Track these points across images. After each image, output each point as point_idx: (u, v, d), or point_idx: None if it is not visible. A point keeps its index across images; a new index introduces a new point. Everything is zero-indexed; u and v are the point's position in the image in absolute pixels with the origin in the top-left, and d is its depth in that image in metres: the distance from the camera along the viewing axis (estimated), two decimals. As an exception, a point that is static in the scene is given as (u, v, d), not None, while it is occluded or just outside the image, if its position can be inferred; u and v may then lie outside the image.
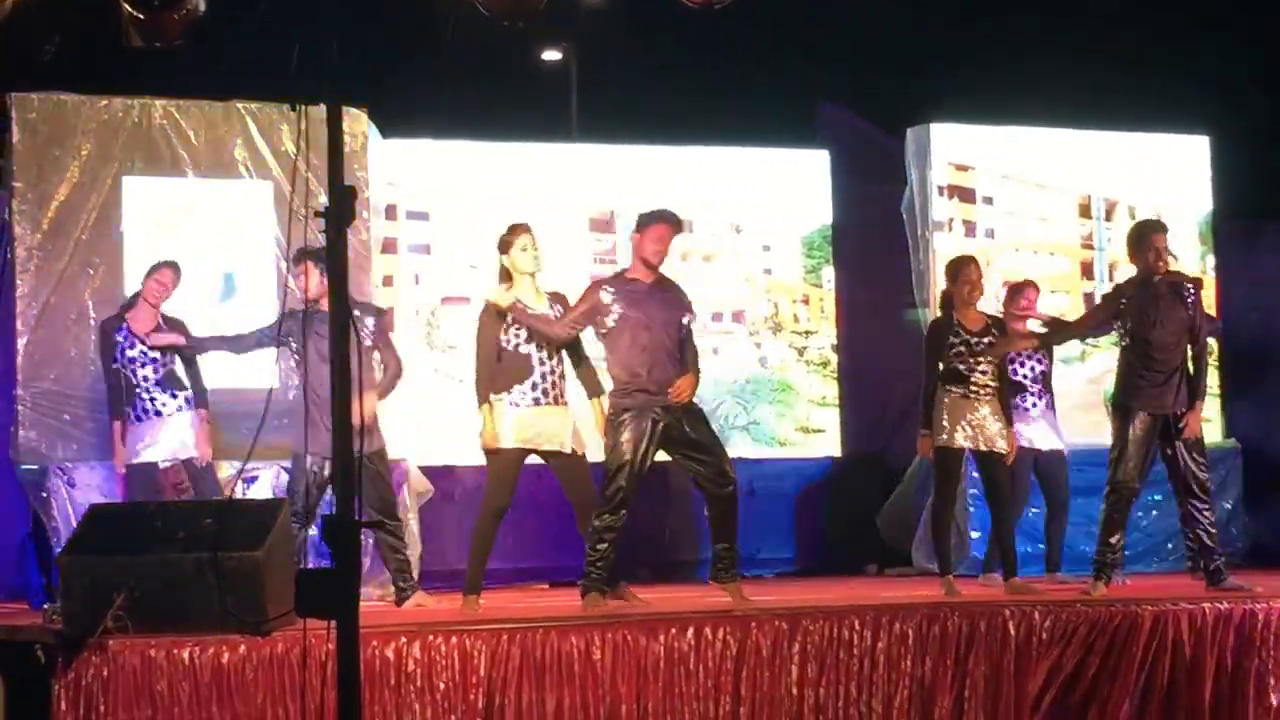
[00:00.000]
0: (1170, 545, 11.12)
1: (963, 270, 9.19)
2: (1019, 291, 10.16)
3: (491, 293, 8.41)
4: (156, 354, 9.14)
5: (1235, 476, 11.78)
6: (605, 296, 8.27)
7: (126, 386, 9.17)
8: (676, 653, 7.12)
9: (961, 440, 8.96)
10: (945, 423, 8.97)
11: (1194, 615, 7.78)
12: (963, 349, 9.00)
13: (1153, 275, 8.75)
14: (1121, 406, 8.73)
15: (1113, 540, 8.71)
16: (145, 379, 9.14)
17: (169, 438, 9.21)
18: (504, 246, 8.50)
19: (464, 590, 8.41)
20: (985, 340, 9.01)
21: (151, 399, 9.16)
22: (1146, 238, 8.80)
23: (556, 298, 8.57)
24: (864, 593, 9.25)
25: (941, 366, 9.06)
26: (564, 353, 8.51)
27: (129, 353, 9.18)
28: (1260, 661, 7.83)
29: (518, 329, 8.34)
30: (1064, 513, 10.13)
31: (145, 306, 9.28)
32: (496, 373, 8.34)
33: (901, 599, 8.12)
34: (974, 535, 10.94)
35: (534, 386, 8.35)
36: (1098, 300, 11.63)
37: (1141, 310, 8.69)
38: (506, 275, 8.49)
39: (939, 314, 9.34)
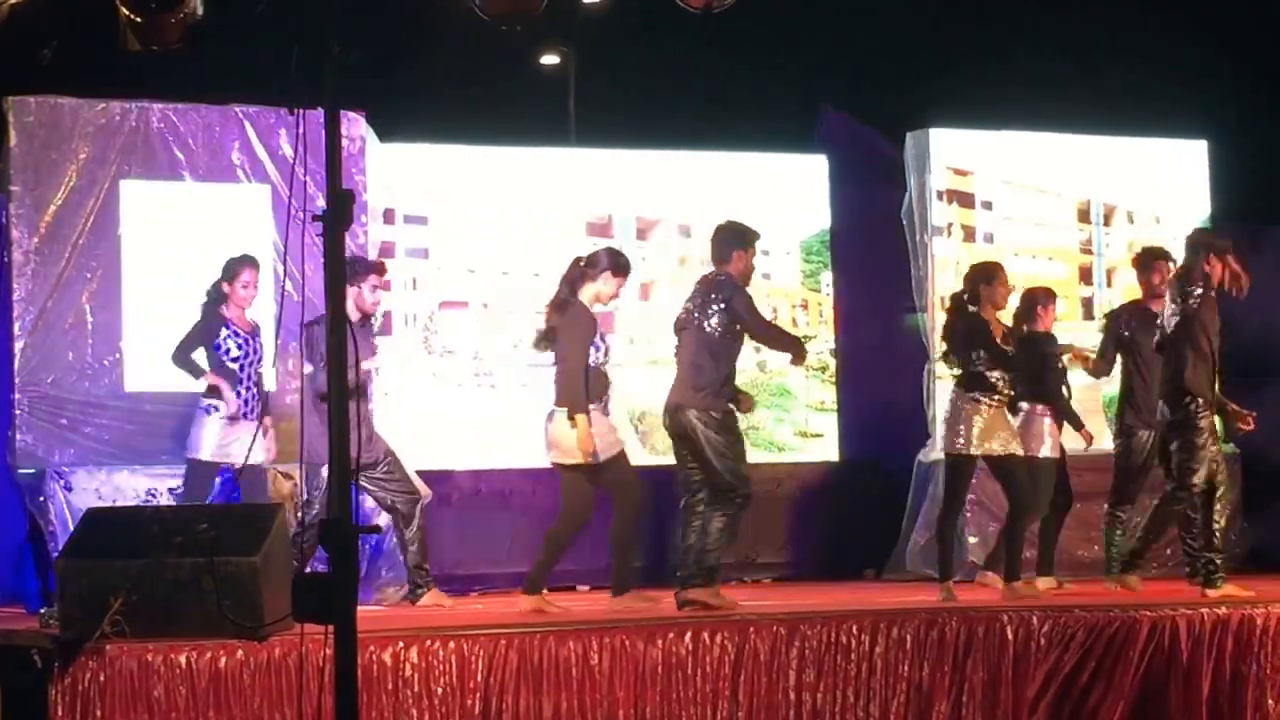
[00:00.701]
0: (1169, 550, 11.10)
1: (999, 273, 9.15)
2: (1043, 303, 10.01)
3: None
4: (250, 354, 9.12)
5: (1234, 481, 11.75)
6: None
7: (228, 377, 9.17)
8: (674, 657, 7.12)
9: (976, 448, 8.93)
10: (961, 429, 8.94)
11: (1192, 620, 7.78)
12: (985, 354, 8.97)
13: (1222, 288, 8.90)
14: (1200, 411, 8.83)
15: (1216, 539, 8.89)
16: (240, 380, 9.15)
17: (240, 445, 9.03)
18: (616, 268, 8.53)
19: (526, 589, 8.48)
20: (1004, 349, 8.99)
21: (242, 400, 9.14)
22: (1225, 254, 8.95)
23: None
24: (862, 598, 9.25)
25: (960, 371, 9.03)
26: None
27: (233, 352, 9.17)
28: (1258, 667, 7.83)
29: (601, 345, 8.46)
30: (1064, 516, 10.15)
31: (234, 309, 9.25)
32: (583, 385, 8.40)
33: (899, 604, 8.12)
34: (971, 540, 10.93)
35: (605, 403, 8.46)
36: (1095, 305, 11.64)
37: (1213, 313, 8.83)
38: (584, 279, 8.51)
39: (969, 313, 9.10)
